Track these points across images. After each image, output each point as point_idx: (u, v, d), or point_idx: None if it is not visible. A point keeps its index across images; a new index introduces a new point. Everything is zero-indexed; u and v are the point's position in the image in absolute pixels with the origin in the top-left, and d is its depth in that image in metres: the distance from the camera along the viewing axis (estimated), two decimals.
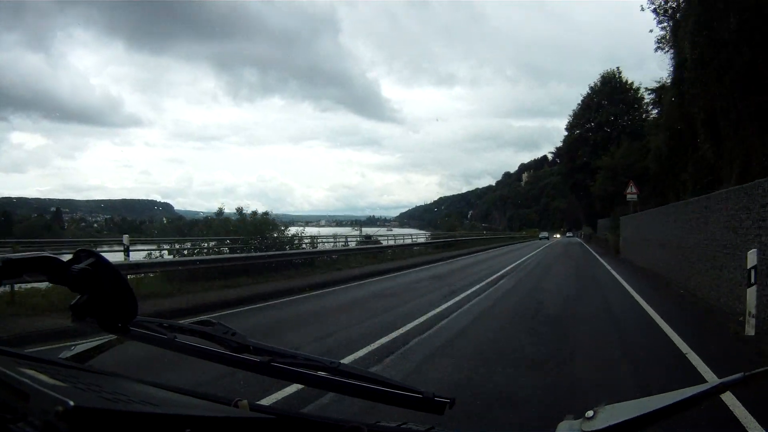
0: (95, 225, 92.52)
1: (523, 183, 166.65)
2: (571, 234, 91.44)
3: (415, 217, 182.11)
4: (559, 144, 52.86)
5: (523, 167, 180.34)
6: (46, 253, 0.89)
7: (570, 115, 49.62)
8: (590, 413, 0.78)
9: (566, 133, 50.73)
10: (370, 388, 0.94)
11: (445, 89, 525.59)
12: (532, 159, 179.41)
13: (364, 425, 0.84)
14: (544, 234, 75.87)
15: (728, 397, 3.64)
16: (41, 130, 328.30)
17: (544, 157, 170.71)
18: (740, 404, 3.58)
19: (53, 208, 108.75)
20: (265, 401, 3.80)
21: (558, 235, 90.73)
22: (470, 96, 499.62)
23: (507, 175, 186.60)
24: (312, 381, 0.99)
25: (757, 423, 3.34)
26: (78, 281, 0.86)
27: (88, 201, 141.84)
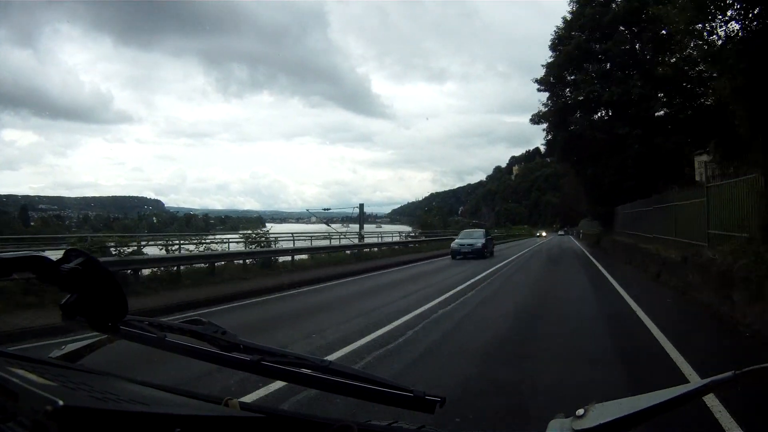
0: (67, 222, 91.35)
1: (513, 176, 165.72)
2: (562, 232, 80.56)
3: (406, 213, 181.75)
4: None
5: (514, 160, 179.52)
6: (36, 253, 0.89)
7: (557, 27, 27.88)
8: (581, 411, 0.79)
9: (551, 55, 27.76)
10: (360, 387, 0.94)
11: (437, 85, 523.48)
12: (525, 151, 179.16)
13: (354, 424, 0.84)
14: (467, 241, 23.45)
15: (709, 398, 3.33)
16: (32, 128, 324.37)
17: (536, 149, 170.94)
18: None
19: (42, 205, 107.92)
20: (255, 395, 3.85)
21: (544, 233, 73.45)
22: (462, 92, 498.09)
23: (498, 169, 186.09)
24: (302, 380, 0.99)
25: (736, 423, 3.28)
26: (67, 280, 0.86)
27: (77, 198, 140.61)
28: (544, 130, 29.92)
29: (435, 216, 65.97)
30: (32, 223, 75.87)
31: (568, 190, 66.67)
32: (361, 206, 24.86)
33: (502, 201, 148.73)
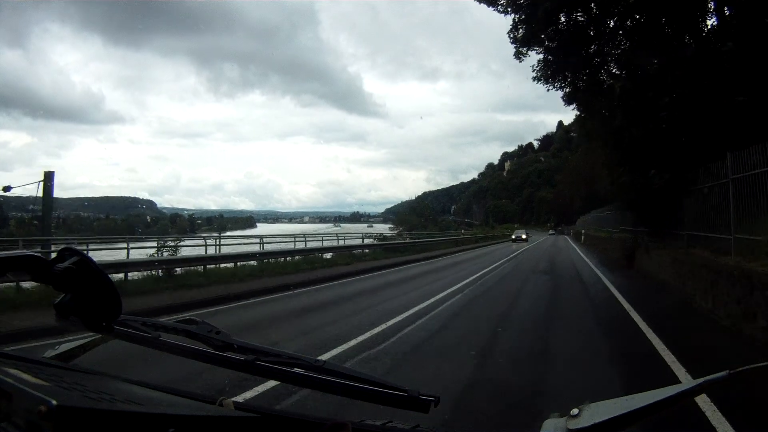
0: (47, 223, 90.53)
1: (505, 172, 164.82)
2: (553, 232, 69.80)
3: (399, 213, 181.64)
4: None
5: (507, 156, 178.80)
6: (29, 252, 0.89)
7: None
8: (575, 411, 0.79)
9: None
10: (355, 387, 0.95)
11: (430, 84, 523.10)
12: (517, 146, 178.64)
13: (349, 423, 0.84)
14: None
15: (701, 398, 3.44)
16: (25, 128, 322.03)
17: (530, 145, 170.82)
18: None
19: (32, 206, 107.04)
20: (249, 393, 3.89)
21: (524, 235, 50.09)
22: (455, 90, 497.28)
23: (490, 166, 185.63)
24: (296, 379, 0.99)
25: (728, 424, 3.30)
26: (62, 280, 0.85)
27: (70, 199, 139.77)
28: (511, 18, 13.94)
29: (416, 214, 56.08)
30: (10, 223, 75.21)
31: (563, 187, 63.40)
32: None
33: (493, 198, 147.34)
